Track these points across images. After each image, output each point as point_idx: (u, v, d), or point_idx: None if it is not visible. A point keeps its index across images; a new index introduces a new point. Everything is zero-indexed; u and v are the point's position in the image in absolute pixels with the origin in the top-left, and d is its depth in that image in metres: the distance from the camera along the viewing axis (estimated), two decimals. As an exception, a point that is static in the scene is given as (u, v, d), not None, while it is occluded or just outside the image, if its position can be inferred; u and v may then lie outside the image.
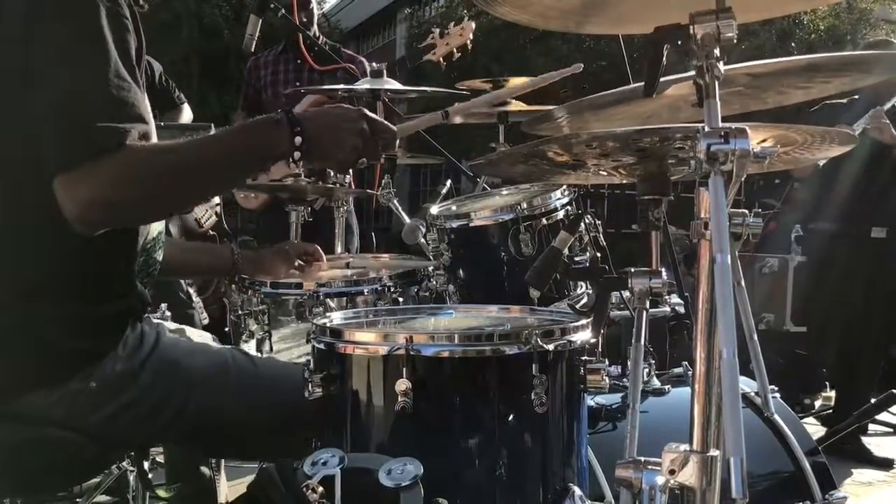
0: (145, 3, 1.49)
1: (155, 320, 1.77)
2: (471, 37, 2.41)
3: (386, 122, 1.52)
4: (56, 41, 1.32)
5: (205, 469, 1.98)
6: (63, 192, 1.29)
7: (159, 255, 1.62)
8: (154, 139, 1.47)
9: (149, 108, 1.39)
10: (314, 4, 4.09)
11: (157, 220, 1.57)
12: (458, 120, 2.77)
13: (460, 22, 2.43)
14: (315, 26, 4.04)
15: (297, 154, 1.40)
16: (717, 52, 1.10)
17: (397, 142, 1.55)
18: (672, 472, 1.14)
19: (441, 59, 2.55)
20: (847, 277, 4.00)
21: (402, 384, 1.24)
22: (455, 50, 2.47)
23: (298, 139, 1.40)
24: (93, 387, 1.42)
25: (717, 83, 1.10)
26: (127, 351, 1.47)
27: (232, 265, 2.03)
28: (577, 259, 1.93)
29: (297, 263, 2.10)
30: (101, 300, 1.46)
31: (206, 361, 1.59)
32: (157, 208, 1.46)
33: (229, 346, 1.90)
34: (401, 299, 2.11)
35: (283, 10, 3.20)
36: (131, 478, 2.28)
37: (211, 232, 4.05)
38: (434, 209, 2.17)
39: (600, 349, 1.40)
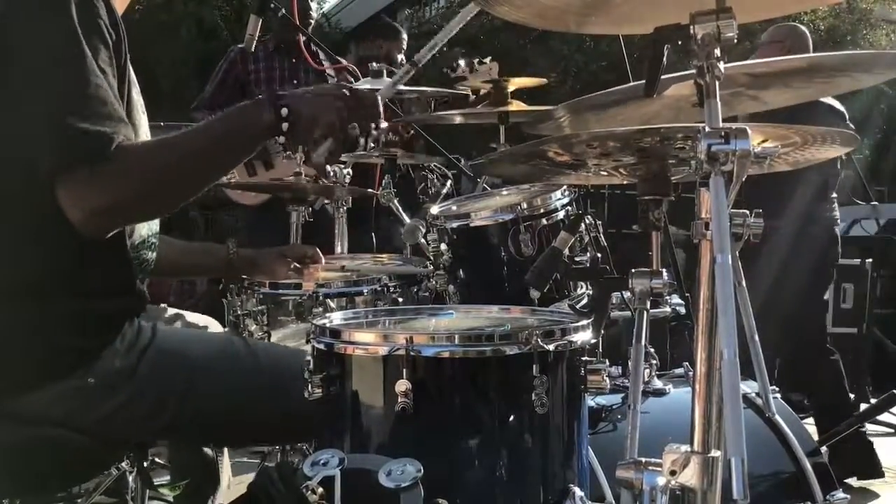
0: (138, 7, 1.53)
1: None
2: (496, 75, 2.52)
3: (364, 89, 1.56)
4: (33, 42, 1.34)
5: (207, 451, 1.97)
6: (68, 201, 1.33)
7: (150, 255, 1.63)
8: (146, 137, 1.49)
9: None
10: (313, 17, 4.12)
11: (166, 213, 1.61)
12: (457, 120, 2.77)
13: (483, 62, 2.53)
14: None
15: (284, 125, 1.44)
16: (717, 52, 1.10)
17: (378, 106, 1.57)
18: (673, 472, 1.14)
19: (472, 93, 2.64)
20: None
21: (402, 385, 1.24)
22: (482, 85, 2.56)
23: (284, 110, 1.44)
24: (91, 383, 1.42)
25: (717, 83, 1.10)
26: (125, 346, 1.47)
27: (228, 265, 2.03)
28: (577, 259, 1.92)
29: (293, 266, 2.10)
30: (100, 297, 1.46)
31: (204, 349, 1.59)
32: (163, 203, 1.51)
33: (227, 332, 1.90)
34: (401, 300, 2.11)
35: (283, 10, 3.20)
36: (131, 478, 2.27)
37: None
38: (434, 209, 2.17)
39: (601, 350, 1.40)
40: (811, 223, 3.77)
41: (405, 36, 4.53)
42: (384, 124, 1.61)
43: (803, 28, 4.05)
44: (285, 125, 1.44)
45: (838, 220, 4.03)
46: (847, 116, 3.80)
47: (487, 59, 2.54)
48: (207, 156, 1.47)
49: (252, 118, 1.47)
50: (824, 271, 3.95)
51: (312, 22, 4.20)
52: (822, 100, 3.59)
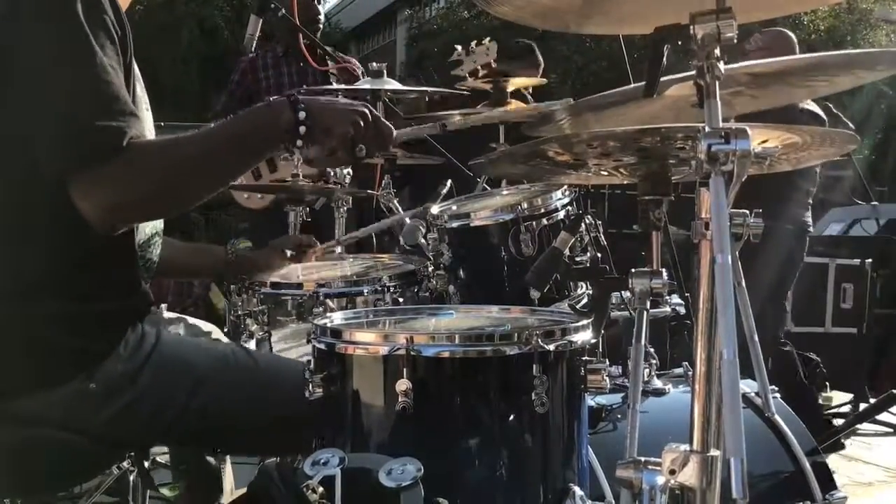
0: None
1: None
2: (495, 56, 2.47)
3: (384, 121, 1.55)
4: (40, 40, 1.33)
5: (210, 459, 1.98)
6: (81, 197, 1.32)
7: (155, 255, 1.63)
8: (150, 133, 1.48)
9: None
10: (321, 20, 4.07)
11: (179, 212, 1.60)
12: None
13: (481, 42, 2.48)
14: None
15: (302, 129, 1.42)
16: (717, 52, 1.10)
17: (392, 137, 1.56)
18: (672, 472, 1.14)
19: (468, 75, 2.60)
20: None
21: (403, 384, 1.24)
22: (480, 68, 2.51)
23: (302, 114, 1.42)
24: (93, 387, 1.42)
25: (717, 83, 1.10)
26: (128, 351, 1.47)
27: (227, 265, 2.03)
28: (577, 259, 1.92)
29: (290, 254, 2.11)
30: (104, 299, 1.46)
31: (207, 358, 1.59)
32: (176, 201, 1.49)
33: (229, 343, 1.91)
34: (401, 300, 2.11)
35: (283, 10, 3.20)
36: (131, 478, 2.28)
37: None
38: (434, 209, 2.17)
39: (601, 349, 1.40)
40: (777, 220, 3.77)
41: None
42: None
43: (789, 32, 4.05)
44: (302, 129, 1.42)
45: (809, 225, 4.04)
46: (826, 122, 3.81)
47: (486, 40, 2.50)
48: (222, 156, 1.45)
49: (269, 120, 1.45)
50: (789, 270, 3.96)
51: (321, 26, 4.17)
52: (804, 105, 3.61)
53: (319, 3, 4.06)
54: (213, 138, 1.47)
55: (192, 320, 1.91)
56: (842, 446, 3.88)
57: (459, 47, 2.49)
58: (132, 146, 1.33)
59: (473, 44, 2.49)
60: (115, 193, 1.33)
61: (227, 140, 1.46)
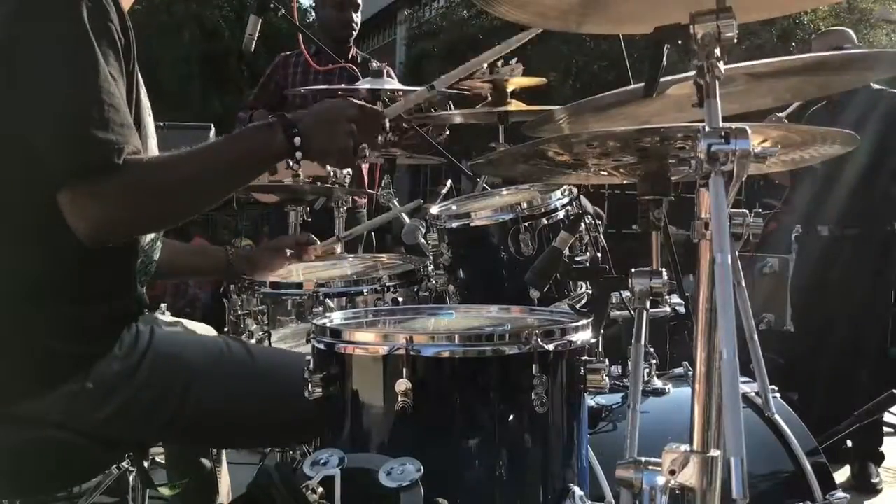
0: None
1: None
2: (520, 75, 2.43)
3: (372, 106, 1.55)
4: (43, 43, 1.33)
5: (205, 461, 1.98)
6: (71, 210, 1.32)
7: (156, 256, 1.63)
8: (153, 139, 1.48)
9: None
10: (353, 25, 4.05)
11: (168, 227, 1.59)
12: (457, 120, 2.77)
13: (508, 62, 2.43)
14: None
15: (298, 154, 1.43)
16: (717, 51, 1.10)
17: (383, 120, 1.56)
18: (672, 472, 1.14)
19: (487, 95, 2.57)
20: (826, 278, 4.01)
21: (403, 384, 1.24)
22: (482, 84, 2.48)
23: (298, 139, 1.43)
24: (90, 387, 1.42)
25: (717, 83, 1.10)
26: (123, 350, 1.47)
27: (227, 265, 2.03)
28: (577, 259, 1.92)
29: (289, 253, 2.11)
30: (100, 302, 1.46)
31: (202, 352, 1.59)
32: (167, 219, 1.50)
33: (223, 335, 1.90)
34: (401, 299, 2.11)
35: (283, 10, 3.20)
36: (131, 478, 2.28)
37: None
38: (434, 209, 2.17)
39: (600, 349, 1.40)
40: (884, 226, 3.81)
41: None
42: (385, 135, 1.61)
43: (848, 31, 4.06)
44: (299, 154, 1.43)
45: None
46: None
47: (513, 60, 2.45)
48: (216, 177, 1.45)
49: (263, 144, 1.45)
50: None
51: (355, 32, 4.16)
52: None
53: (355, 10, 4.04)
54: (208, 160, 1.45)
55: (189, 324, 1.91)
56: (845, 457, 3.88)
57: (485, 65, 2.45)
58: (127, 164, 1.32)
59: (500, 63, 2.45)
60: (105, 210, 1.33)
61: (222, 163, 1.46)
